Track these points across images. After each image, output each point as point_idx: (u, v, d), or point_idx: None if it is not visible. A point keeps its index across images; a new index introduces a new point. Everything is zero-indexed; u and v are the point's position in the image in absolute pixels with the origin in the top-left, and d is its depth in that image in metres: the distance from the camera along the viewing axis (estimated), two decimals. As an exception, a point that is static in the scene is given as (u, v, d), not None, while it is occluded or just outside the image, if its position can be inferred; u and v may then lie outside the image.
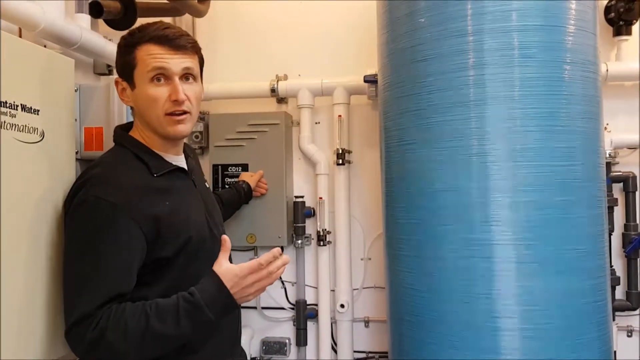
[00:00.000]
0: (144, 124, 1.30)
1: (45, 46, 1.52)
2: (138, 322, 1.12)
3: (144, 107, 1.27)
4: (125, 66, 1.28)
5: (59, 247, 1.29)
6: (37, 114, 1.26)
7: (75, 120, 1.59)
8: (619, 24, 2.12)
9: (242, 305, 1.28)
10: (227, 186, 2.18)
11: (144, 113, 1.28)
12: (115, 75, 1.67)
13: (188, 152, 1.45)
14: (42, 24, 1.45)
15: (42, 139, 1.28)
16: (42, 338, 1.26)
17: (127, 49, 1.28)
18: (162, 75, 1.25)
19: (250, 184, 2.11)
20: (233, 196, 2.04)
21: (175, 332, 1.13)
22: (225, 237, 1.22)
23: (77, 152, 1.58)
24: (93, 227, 1.17)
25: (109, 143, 1.59)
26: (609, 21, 2.14)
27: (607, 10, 2.14)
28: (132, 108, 1.34)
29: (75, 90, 1.60)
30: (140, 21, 1.83)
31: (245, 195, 2.08)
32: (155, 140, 1.31)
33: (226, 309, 1.18)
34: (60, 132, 1.36)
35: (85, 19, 1.67)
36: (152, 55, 1.24)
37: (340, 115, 2.29)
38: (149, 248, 1.21)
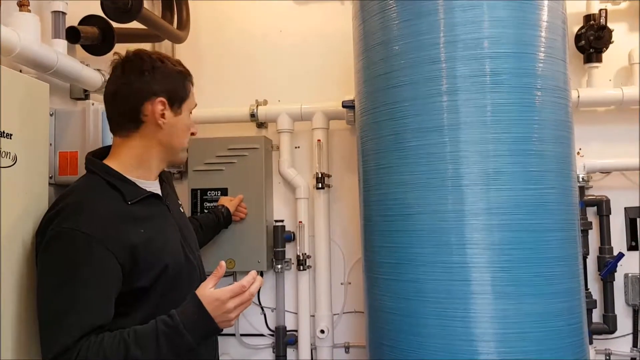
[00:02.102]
0: (161, 146, 1.33)
1: (20, 71, 1.52)
2: (117, 351, 1.11)
3: (178, 133, 1.35)
4: (178, 92, 1.35)
5: (30, 276, 1.26)
6: (10, 138, 1.25)
7: (50, 144, 1.58)
8: (589, 52, 2.19)
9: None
10: (205, 211, 2.17)
11: (175, 137, 1.35)
12: (90, 100, 1.68)
13: (163, 178, 1.45)
14: (18, 49, 1.45)
15: (14, 163, 1.26)
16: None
17: (182, 77, 1.36)
18: None
19: (229, 208, 2.10)
20: (212, 221, 2.03)
21: (155, 358, 1.12)
22: (222, 263, 1.22)
23: (51, 177, 1.57)
24: (69, 259, 1.15)
25: (83, 168, 1.58)
26: (580, 49, 2.21)
27: (578, 38, 2.20)
28: (112, 130, 1.32)
29: (51, 115, 1.59)
30: (119, 47, 1.85)
31: (224, 219, 2.07)
32: (154, 163, 1.34)
33: (207, 334, 1.17)
34: (34, 157, 1.34)
35: (61, 44, 1.68)
36: (193, 93, 1.40)
37: (319, 140, 2.30)
38: (126, 278, 1.19)
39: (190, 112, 1.40)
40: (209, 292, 1.17)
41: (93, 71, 1.79)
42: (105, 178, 1.27)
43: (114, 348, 1.11)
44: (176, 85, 1.34)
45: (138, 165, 1.32)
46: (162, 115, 1.31)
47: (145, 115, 1.30)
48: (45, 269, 1.19)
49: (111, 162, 1.31)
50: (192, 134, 1.41)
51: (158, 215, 1.33)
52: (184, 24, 2.25)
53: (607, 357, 2.18)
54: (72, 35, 1.73)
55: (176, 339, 1.13)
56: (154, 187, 1.37)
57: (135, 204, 1.27)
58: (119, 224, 1.21)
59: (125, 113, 1.30)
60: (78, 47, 1.86)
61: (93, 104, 1.65)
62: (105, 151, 1.36)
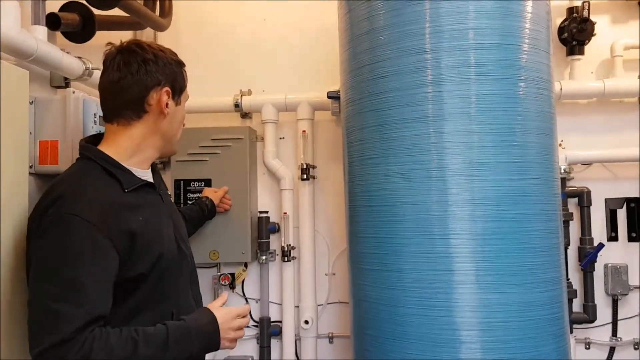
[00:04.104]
0: (160, 135, 1.32)
1: (-1, 58, 1.48)
2: (124, 347, 1.10)
3: (177, 123, 1.36)
4: (178, 82, 1.35)
5: (9, 267, 1.24)
6: (-11, 126, 1.23)
7: (30, 133, 1.55)
8: (572, 44, 2.21)
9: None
10: (189, 202, 2.15)
11: (172, 128, 1.35)
12: (71, 88, 1.65)
13: (155, 168, 1.44)
14: (-5, 35, 1.41)
15: (-8, 152, 1.24)
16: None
17: (180, 68, 1.37)
18: None
19: (213, 199, 2.08)
20: (196, 213, 2.01)
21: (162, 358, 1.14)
22: (225, 294, 1.36)
23: (31, 166, 1.54)
24: (69, 246, 1.12)
25: (64, 157, 1.56)
26: (563, 41, 2.23)
27: (561, 30, 2.22)
28: (109, 118, 1.30)
29: (31, 103, 1.56)
30: (101, 34, 1.81)
31: (208, 211, 2.05)
32: (149, 152, 1.33)
33: (209, 347, 1.23)
34: (14, 146, 1.31)
35: (41, 30, 1.64)
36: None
37: (304, 131, 2.30)
38: (122, 267, 1.18)
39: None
40: (218, 307, 1.27)
41: (74, 59, 1.75)
42: (102, 165, 1.25)
43: (120, 344, 1.10)
44: (177, 75, 1.35)
45: (134, 154, 1.30)
46: (167, 105, 1.31)
47: (150, 104, 1.29)
48: (43, 257, 1.14)
49: (106, 150, 1.28)
50: (183, 125, 1.42)
51: (152, 204, 1.33)
52: (166, 12, 2.22)
53: (587, 346, 2.22)
54: (53, 21, 1.70)
55: (184, 345, 1.17)
56: (148, 176, 1.36)
57: (131, 192, 1.26)
58: (118, 211, 1.19)
59: (129, 102, 1.28)
60: (58, 34, 1.82)
61: (74, 92, 1.62)
62: (94, 139, 1.34)
